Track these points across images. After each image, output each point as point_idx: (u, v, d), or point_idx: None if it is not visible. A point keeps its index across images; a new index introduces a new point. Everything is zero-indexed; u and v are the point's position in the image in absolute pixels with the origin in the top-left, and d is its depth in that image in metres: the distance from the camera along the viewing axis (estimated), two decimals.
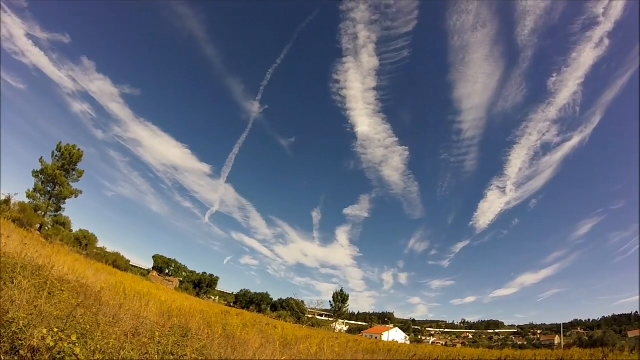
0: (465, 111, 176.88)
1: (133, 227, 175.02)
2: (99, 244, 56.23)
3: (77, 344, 3.68)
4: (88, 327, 5.41)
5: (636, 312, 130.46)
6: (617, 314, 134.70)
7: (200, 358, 5.61)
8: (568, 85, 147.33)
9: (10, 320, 4.35)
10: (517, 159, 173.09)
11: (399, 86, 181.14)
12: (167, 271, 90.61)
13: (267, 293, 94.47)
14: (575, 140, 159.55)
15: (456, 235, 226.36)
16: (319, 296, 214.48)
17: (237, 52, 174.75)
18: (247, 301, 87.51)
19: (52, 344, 3.62)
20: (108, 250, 59.15)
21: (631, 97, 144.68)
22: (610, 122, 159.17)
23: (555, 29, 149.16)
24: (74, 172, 46.85)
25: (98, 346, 4.47)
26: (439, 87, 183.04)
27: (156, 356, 4.83)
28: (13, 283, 6.70)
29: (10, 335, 4.00)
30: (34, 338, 3.70)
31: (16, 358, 3.62)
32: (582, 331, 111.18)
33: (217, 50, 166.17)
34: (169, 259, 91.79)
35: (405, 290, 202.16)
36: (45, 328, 3.86)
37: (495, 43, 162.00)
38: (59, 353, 3.66)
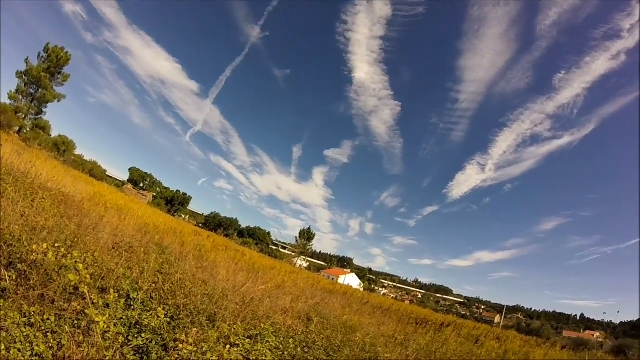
0: (466, 82, 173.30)
1: (112, 137, 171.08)
2: (77, 151, 55.14)
3: (78, 261, 4.03)
4: (77, 239, 5.79)
5: (575, 314, 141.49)
6: (558, 311, 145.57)
7: (185, 277, 6.09)
8: (573, 86, 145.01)
9: (5, 233, 4.61)
10: (504, 142, 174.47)
11: (406, 41, 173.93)
12: (141, 185, 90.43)
13: (236, 219, 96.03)
14: (565, 140, 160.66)
15: (428, 199, 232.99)
16: (285, 230, 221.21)
17: None
18: (216, 224, 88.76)
19: (53, 259, 3.95)
20: (85, 158, 58.26)
21: (628, 118, 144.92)
22: (602, 134, 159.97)
23: (577, 29, 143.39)
24: (59, 76, 44.76)
25: (88, 260, 4.88)
26: (446, 51, 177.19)
27: (146, 274, 5.30)
28: None
29: (6, 248, 4.25)
30: (33, 252, 4.00)
31: (13, 271, 3.89)
32: (522, 317, 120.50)
33: None
34: (145, 173, 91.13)
35: (369, 240, 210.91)
36: (45, 242, 4.16)
37: (513, 24, 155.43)
38: (60, 268, 4.03)
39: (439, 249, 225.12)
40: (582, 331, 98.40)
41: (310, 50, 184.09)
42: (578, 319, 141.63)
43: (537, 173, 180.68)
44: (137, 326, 3.80)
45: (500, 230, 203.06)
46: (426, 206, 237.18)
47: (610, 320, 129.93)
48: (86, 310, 3.54)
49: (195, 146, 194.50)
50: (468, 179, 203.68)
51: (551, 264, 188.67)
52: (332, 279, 58.46)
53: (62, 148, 48.28)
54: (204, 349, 3.83)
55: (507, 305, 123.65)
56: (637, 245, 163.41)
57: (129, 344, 3.54)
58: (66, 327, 3.47)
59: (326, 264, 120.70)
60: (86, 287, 3.83)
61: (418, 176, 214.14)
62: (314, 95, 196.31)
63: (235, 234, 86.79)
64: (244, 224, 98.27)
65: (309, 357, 4.35)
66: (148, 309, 4.24)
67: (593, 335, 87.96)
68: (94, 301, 3.81)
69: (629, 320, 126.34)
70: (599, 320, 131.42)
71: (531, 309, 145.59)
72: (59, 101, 45.77)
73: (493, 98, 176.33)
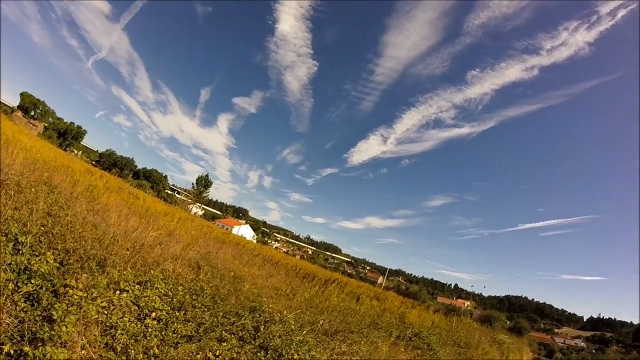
0: (385, 57, 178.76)
1: (4, 54, 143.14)
2: None
3: None
4: None
5: (450, 284, 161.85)
6: (435, 279, 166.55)
7: (75, 220, 5.91)
8: (483, 85, 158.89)
9: None
10: (409, 120, 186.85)
11: (337, 4, 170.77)
12: (32, 113, 78.62)
13: (132, 159, 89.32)
14: (465, 130, 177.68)
15: (328, 161, 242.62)
16: (183, 175, 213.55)
17: None
18: (111, 163, 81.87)
19: None
20: None
21: (526, 125, 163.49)
22: (499, 133, 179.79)
23: (501, 35, 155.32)
24: None
25: None
26: (374, 23, 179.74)
27: (34, 216, 5.07)
28: None
29: None
30: None
31: None
32: (402, 281, 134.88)
33: None
34: (38, 100, 79.11)
35: (266, 193, 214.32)
36: None
37: (445, 14, 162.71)
38: None
39: (333, 210, 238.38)
40: (454, 299, 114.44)
41: None
42: (452, 287, 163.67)
43: (433, 154, 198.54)
44: (27, 272, 3.82)
45: (392, 200, 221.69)
46: (326, 167, 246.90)
47: (480, 293, 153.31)
48: None
49: (97, 75, 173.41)
50: (369, 148, 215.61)
51: (434, 236, 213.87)
52: (226, 228, 58.77)
53: None
54: (94, 295, 3.98)
55: (390, 269, 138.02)
56: (512, 233, 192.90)
57: (19, 290, 3.61)
58: None
59: (221, 214, 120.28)
60: None
61: (322, 138, 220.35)
62: (233, 39, 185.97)
63: (131, 175, 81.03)
64: (140, 164, 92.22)
65: (196, 304, 4.81)
66: (37, 253, 4.22)
67: (464, 303, 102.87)
68: None
69: (495, 295, 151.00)
70: (469, 291, 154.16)
71: (411, 274, 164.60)
72: None
73: (408, 78, 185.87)
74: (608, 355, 70.80)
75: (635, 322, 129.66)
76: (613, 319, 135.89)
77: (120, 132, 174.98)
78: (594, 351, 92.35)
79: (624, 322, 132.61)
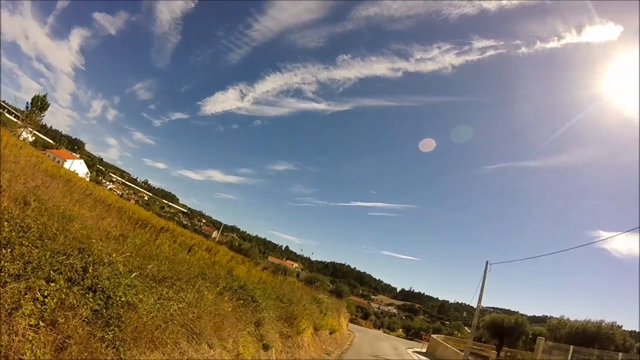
0: (267, 16, 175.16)
1: None
2: None
3: None
4: None
5: (282, 245, 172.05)
6: (268, 239, 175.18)
7: None
8: (350, 71, 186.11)
9: None
10: (271, 83, 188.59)
11: None
12: None
13: None
14: (321, 106, 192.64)
15: (180, 105, 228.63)
16: (18, 91, 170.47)
17: None
18: None
19: None
20: None
21: (379, 115, 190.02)
22: (352, 117, 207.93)
23: (381, 33, 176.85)
24: None
25: None
26: None
27: None
28: None
29: None
30: None
31: None
32: (236, 237, 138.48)
33: None
34: None
35: (108, 127, 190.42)
36: None
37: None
38: None
39: (176, 157, 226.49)
40: (284, 260, 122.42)
41: None
42: (283, 249, 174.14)
43: (286, 121, 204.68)
44: None
45: (237, 157, 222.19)
46: (177, 111, 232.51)
47: (309, 257, 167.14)
48: None
49: None
50: (226, 101, 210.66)
51: (272, 199, 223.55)
52: (58, 161, 51.72)
53: None
54: None
55: (225, 224, 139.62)
56: (344, 208, 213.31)
57: None
58: None
59: (55, 143, 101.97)
60: None
61: (180, 79, 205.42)
62: None
63: None
64: None
65: (24, 242, 4.66)
66: None
67: (293, 265, 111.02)
68: None
69: (322, 260, 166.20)
70: (298, 254, 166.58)
71: (246, 232, 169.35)
72: None
73: (282, 43, 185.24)
74: (415, 323, 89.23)
75: (441, 298, 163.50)
76: (422, 293, 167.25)
77: None
78: (403, 317, 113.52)
79: (431, 296, 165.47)
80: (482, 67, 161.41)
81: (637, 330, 36.54)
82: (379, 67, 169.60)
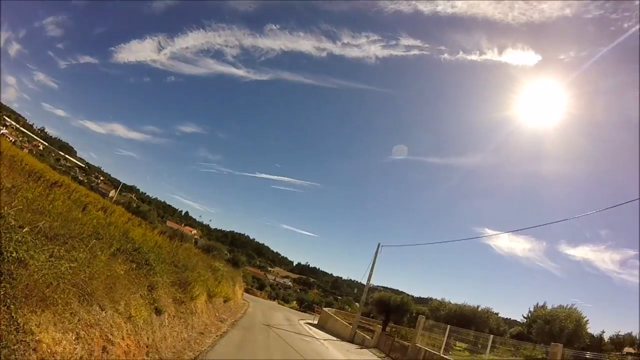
0: None
1: None
2: None
3: None
4: None
5: (182, 210, 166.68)
6: (168, 203, 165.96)
7: None
8: (275, 42, 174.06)
9: None
10: (193, 40, 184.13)
11: None
12: None
13: None
14: (240, 72, 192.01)
15: (90, 48, 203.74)
16: None
17: None
18: None
19: None
20: None
21: (290, 92, 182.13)
22: (267, 88, 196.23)
23: (315, 10, 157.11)
24: None
25: None
26: None
27: None
28: None
29: None
30: None
31: None
32: (135, 198, 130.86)
33: None
34: None
35: (8, 63, 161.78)
36: None
37: None
38: None
39: (79, 105, 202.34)
40: (183, 225, 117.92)
41: None
42: (183, 214, 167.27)
43: (201, 82, 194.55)
44: None
45: (144, 113, 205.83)
46: (86, 55, 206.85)
47: (208, 224, 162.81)
48: None
49: None
50: (142, 50, 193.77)
51: (175, 161, 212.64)
52: None
53: None
54: None
55: (124, 183, 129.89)
56: (248, 178, 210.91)
57: None
58: None
59: None
60: None
61: (94, 19, 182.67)
62: None
63: None
64: None
65: None
66: None
67: (191, 231, 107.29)
68: None
69: (221, 229, 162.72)
70: (198, 220, 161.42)
71: (145, 193, 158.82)
72: None
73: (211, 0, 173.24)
74: (309, 296, 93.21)
75: (335, 274, 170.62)
76: (318, 268, 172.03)
77: None
78: (298, 290, 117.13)
79: (326, 272, 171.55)
80: (405, 64, 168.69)
81: (512, 318, 43.68)
82: (305, 43, 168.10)
